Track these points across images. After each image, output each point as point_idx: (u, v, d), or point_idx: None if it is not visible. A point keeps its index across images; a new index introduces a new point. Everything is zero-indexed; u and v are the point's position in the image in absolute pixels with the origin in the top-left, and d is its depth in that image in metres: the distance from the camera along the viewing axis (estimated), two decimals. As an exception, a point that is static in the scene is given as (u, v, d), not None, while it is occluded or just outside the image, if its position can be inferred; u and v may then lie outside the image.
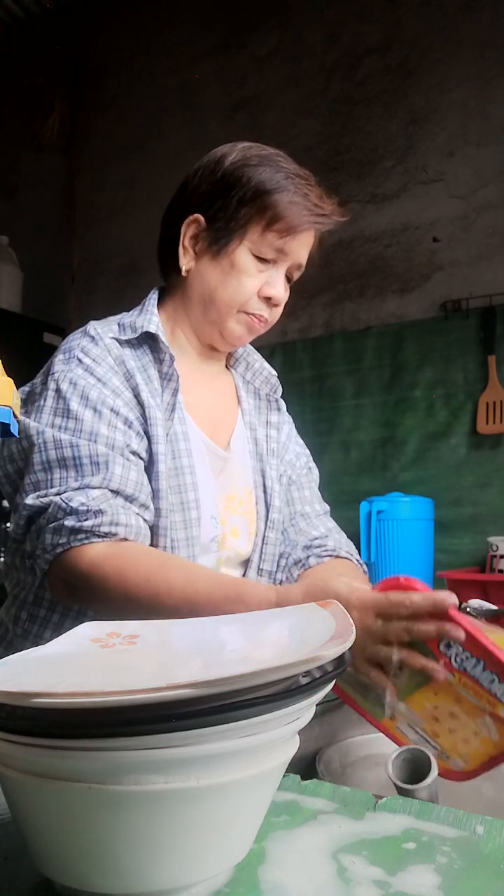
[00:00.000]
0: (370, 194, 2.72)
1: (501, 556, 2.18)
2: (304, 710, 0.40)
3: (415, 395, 2.57)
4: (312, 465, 1.18)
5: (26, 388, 0.98)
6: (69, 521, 0.84)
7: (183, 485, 0.94)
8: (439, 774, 0.69)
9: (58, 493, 0.86)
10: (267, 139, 1.03)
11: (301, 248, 0.99)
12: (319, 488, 1.18)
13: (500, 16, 2.49)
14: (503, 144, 2.49)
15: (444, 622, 0.72)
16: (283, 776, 0.50)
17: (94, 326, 0.97)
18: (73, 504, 0.84)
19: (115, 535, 0.85)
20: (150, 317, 0.99)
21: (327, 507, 1.16)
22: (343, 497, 2.40)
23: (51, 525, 0.85)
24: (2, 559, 2.29)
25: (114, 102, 3.41)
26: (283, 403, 1.17)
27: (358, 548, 1.13)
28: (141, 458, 0.92)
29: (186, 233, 0.99)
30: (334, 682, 0.40)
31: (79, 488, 0.86)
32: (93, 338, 0.95)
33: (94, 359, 0.93)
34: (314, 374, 2.77)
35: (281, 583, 1.05)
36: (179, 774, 0.36)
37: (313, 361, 2.78)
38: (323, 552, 1.04)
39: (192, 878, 0.39)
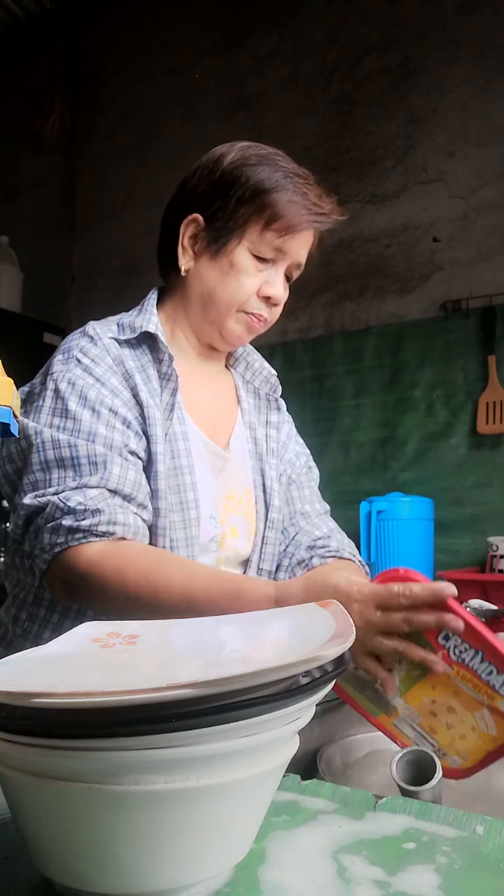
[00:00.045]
0: (370, 194, 2.72)
1: (501, 556, 2.18)
2: (304, 710, 0.40)
3: (415, 395, 2.57)
4: (312, 464, 1.18)
5: (25, 389, 0.98)
6: (67, 521, 0.84)
7: (182, 484, 0.94)
8: None
9: (56, 493, 0.86)
10: (267, 139, 1.03)
11: (300, 247, 0.99)
12: (319, 488, 1.18)
13: (500, 16, 2.50)
14: (503, 144, 2.49)
15: (443, 613, 0.72)
16: (283, 776, 0.50)
17: (92, 326, 0.97)
18: (71, 503, 0.84)
19: (112, 534, 0.85)
20: (149, 316, 0.99)
21: (327, 507, 1.16)
22: (343, 497, 2.40)
23: (49, 525, 0.85)
24: (2, 559, 2.29)
25: (114, 102, 3.41)
26: (282, 403, 1.17)
27: (358, 548, 1.13)
28: (139, 457, 0.92)
29: (185, 232, 0.99)
30: (334, 681, 0.40)
31: (76, 488, 0.86)
32: (91, 338, 0.95)
33: (93, 359, 0.93)
34: (314, 374, 2.77)
35: (282, 582, 1.05)
36: (179, 774, 0.36)
37: (313, 361, 2.78)
38: (326, 553, 1.04)
39: (192, 878, 0.39)
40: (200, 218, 0.98)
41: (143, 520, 0.90)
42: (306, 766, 0.83)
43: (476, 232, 2.51)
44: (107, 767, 0.35)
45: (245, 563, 1.05)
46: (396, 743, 0.78)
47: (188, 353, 1.05)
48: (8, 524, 0.94)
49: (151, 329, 0.97)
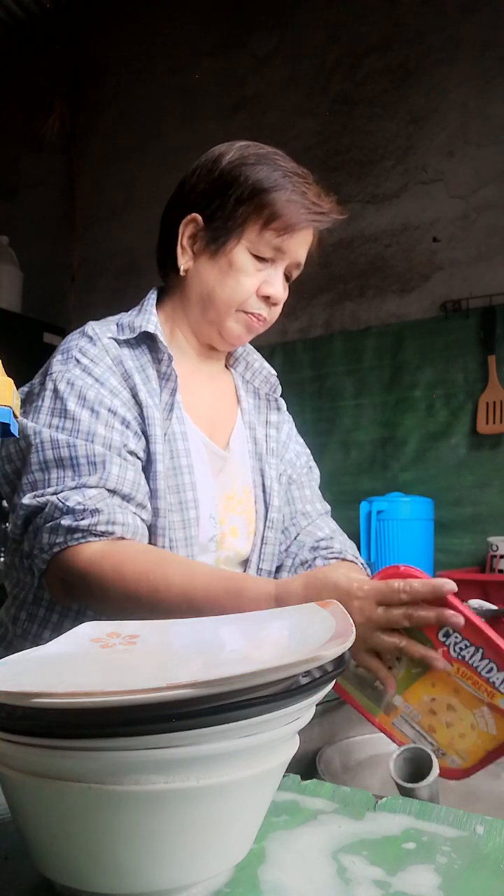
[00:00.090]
0: (370, 194, 2.72)
1: (501, 556, 2.18)
2: (304, 710, 0.40)
3: (415, 395, 2.57)
4: (313, 464, 1.18)
5: (25, 389, 0.98)
6: (66, 521, 0.84)
7: (181, 484, 0.94)
8: None
9: (55, 493, 0.86)
10: (267, 139, 1.03)
11: (299, 246, 0.99)
12: (320, 488, 1.18)
13: (500, 16, 2.50)
14: (503, 144, 2.49)
15: (443, 609, 0.72)
16: (283, 776, 0.50)
17: (92, 327, 0.97)
18: (70, 503, 0.84)
19: (111, 533, 0.85)
20: (148, 316, 0.99)
21: (328, 507, 1.16)
22: (343, 497, 2.40)
23: (48, 524, 0.85)
24: (1, 559, 2.29)
25: (114, 102, 3.41)
26: (282, 403, 1.17)
27: (358, 548, 1.13)
28: (138, 457, 0.92)
29: (184, 232, 0.99)
30: (334, 681, 0.40)
31: (75, 488, 0.86)
32: (91, 338, 0.95)
33: (92, 359, 0.93)
34: (314, 374, 2.77)
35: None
36: (179, 774, 0.36)
37: (313, 361, 2.78)
38: (329, 554, 1.04)
39: (192, 878, 0.39)
40: (199, 217, 0.98)
41: (143, 520, 0.90)
42: (306, 766, 0.83)
43: (476, 232, 2.51)
44: (107, 767, 0.35)
45: (244, 563, 1.05)
46: (395, 742, 0.78)
47: (188, 352, 1.05)
48: (7, 524, 0.94)
49: (151, 329, 0.96)
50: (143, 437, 0.93)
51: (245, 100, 3.04)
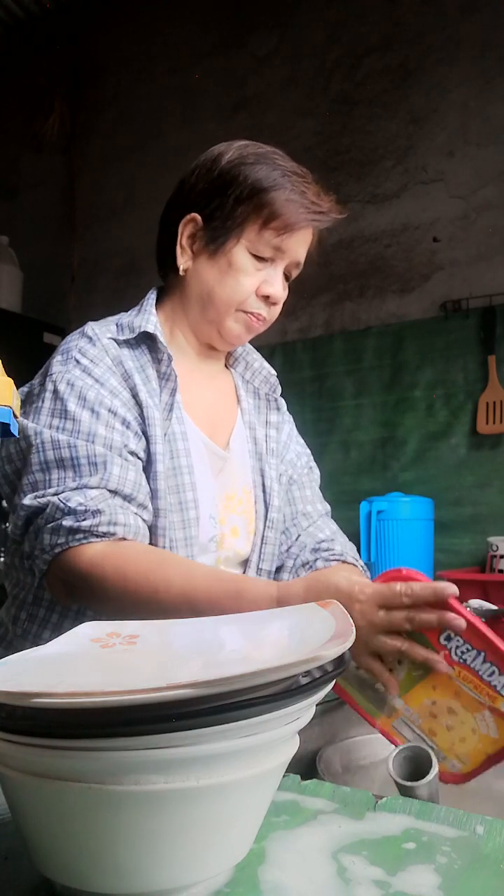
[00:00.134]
0: (370, 194, 2.72)
1: (501, 556, 2.18)
2: (304, 710, 0.40)
3: (415, 395, 2.57)
4: (313, 464, 1.18)
5: (25, 389, 0.98)
6: (67, 521, 0.84)
7: (181, 484, 0.94)
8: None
9: (56, 494, 0.86)
10: (267, 139, 1.03)
11: (299, 245, 0.99)
12: (320, 488, 1.18)
13: (500, 16, 2.49)
14: (503, 144, 2.49)
15: (444, 612, 0.72)
16: (283, 776, 0.50)
17: (91, 327, 0.97)
18: (71, 504, 0.84)
19: (113, 534, 0.85)
20: (148, 316, 0.99)
21: (328, 508, 1.16)
22: (343, 497, 2.40)
23: (49, 525, 0.85)
24: (2, 559, 2.28)
25: (114, 102, 3.41)
26: (282, 403, 1.17)
27: (358, 548, 1.13)
28: (139, 458, 0.92)
29: (184, 232, 0.99)
30: (334, 681, 0.40)
31: (76, 488, 0.86)
32: (90, 338, 0.95)
33: (92, 359, 0.93)
34: (314, 374, 2.77)
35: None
36: (179, 774, 0.36)
37: (313, 361, 2.78)
38: (330, 556, 1.04)
39: (192, 878, 0.39)
40: (199, 217, 0.98)
41: (144, 520, 0.90)
42: (306, 766, 0.83)
43: (476, 232, 2.51)
44: (107, 767, 0.35)
45: (244, 564, 1.05)
46: (395, 745, 0.78)
47: (187, 352, 1.05)
48: (7, 524, 0.94)
49: (150, 329, 0.96)
50: (143, 438, 0.93)
51: (245, 100, 3.04)
